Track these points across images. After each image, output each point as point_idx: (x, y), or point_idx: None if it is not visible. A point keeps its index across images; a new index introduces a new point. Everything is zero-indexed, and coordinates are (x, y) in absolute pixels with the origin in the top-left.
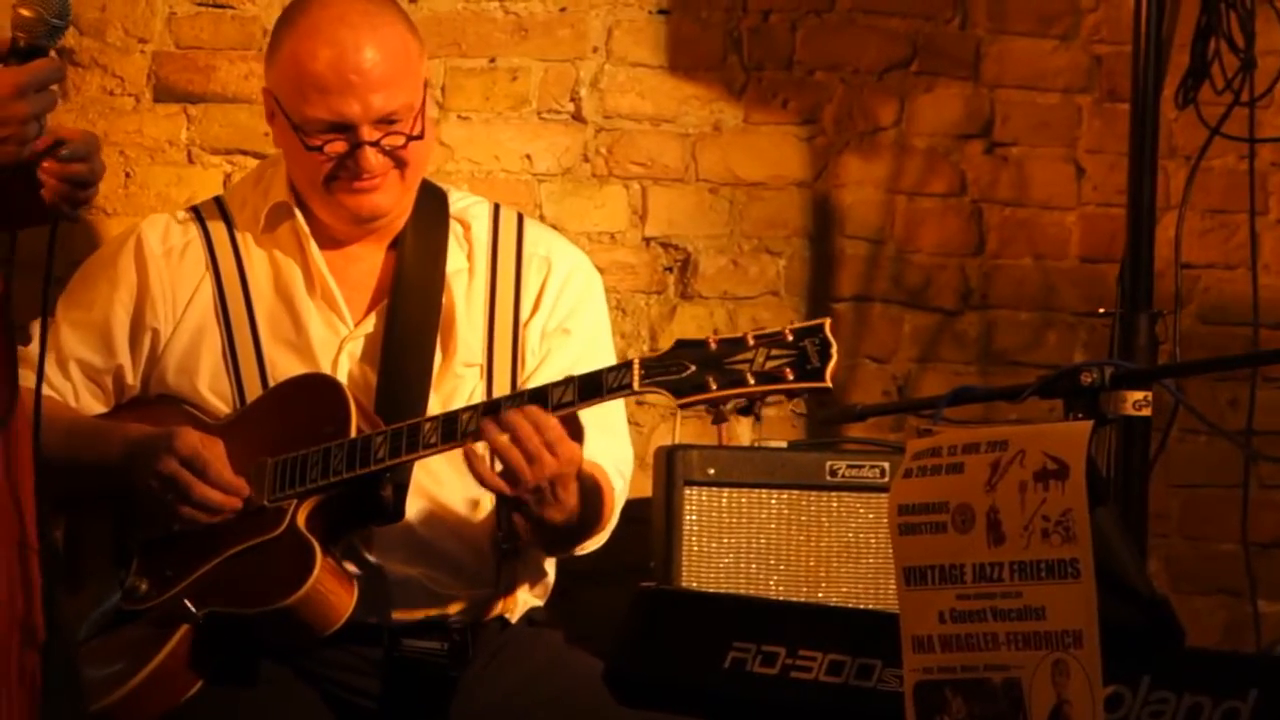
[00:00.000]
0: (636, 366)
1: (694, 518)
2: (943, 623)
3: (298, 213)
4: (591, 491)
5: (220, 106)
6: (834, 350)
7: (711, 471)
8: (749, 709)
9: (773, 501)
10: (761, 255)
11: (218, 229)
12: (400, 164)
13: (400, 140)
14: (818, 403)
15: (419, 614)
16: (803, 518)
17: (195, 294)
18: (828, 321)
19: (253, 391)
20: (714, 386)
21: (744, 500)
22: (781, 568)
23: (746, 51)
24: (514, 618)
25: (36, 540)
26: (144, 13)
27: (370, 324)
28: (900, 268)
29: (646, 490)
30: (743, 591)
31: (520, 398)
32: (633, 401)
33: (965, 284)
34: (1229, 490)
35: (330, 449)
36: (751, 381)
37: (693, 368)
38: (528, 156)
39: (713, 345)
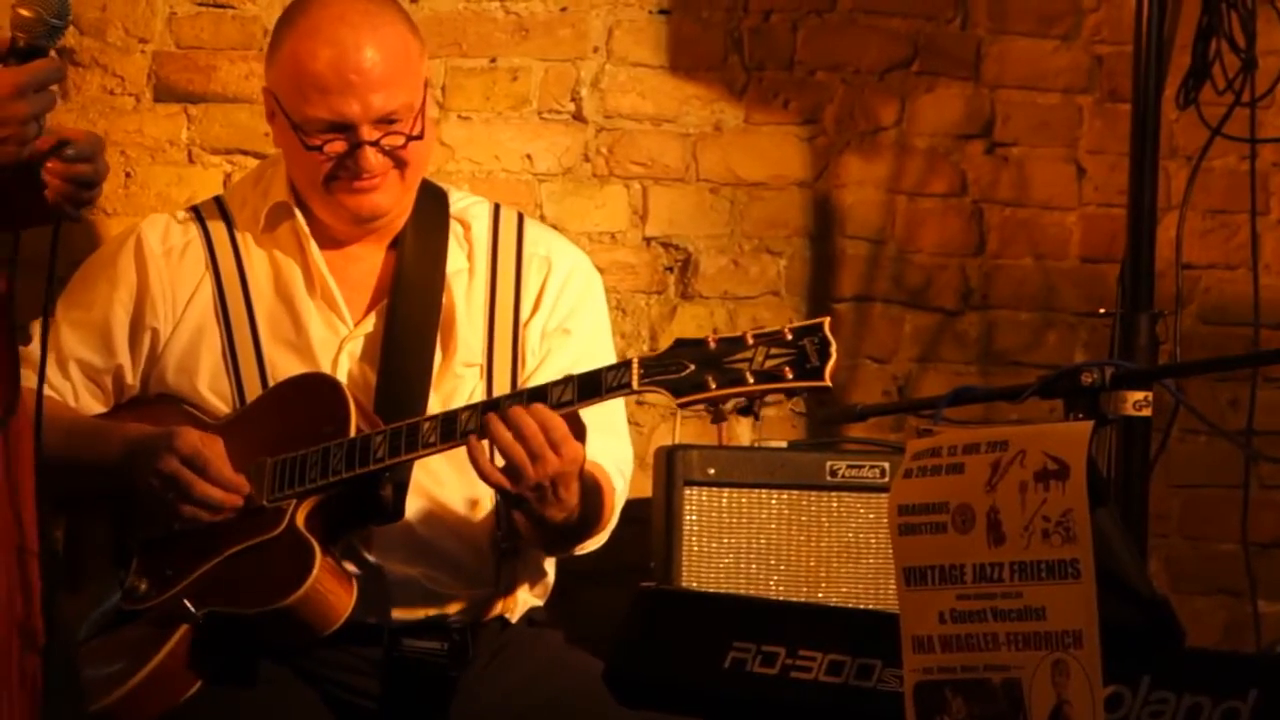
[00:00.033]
0: (635, 366)
1: (694, 518)
2: (943, 623)
3: (298, 213)
4: (592, 491)
5: (221, 106)
6: (833, 349)
7: (712, 471)
8: (749, 709)
9: (773, 501)
10: (762, 255)
11: (217, 229)
12: (400, 164)
13: (400, 140)
14: (818, 402)
15: (419, 614)
16: (803, 518)
17: (195, 294)
18: (827, 320)
19: (252, 391)
20: (713, 386)
21: (744, 500)
22: (781, 568)
23: (747, 51)
24: (514, 618)
25: (37, 543)
26: (144, 12)
27: (370, 324)
28: (901, 268)
29: (646, 490)
30: (743, 592)
31: (519, 397)
32: (633, 401)
33: (966, 284)
34: (1229, 490)
35: (329, 448)
36: (751, 380)
37: (692, 367)
38: (528, 156)
39: (712, 344)
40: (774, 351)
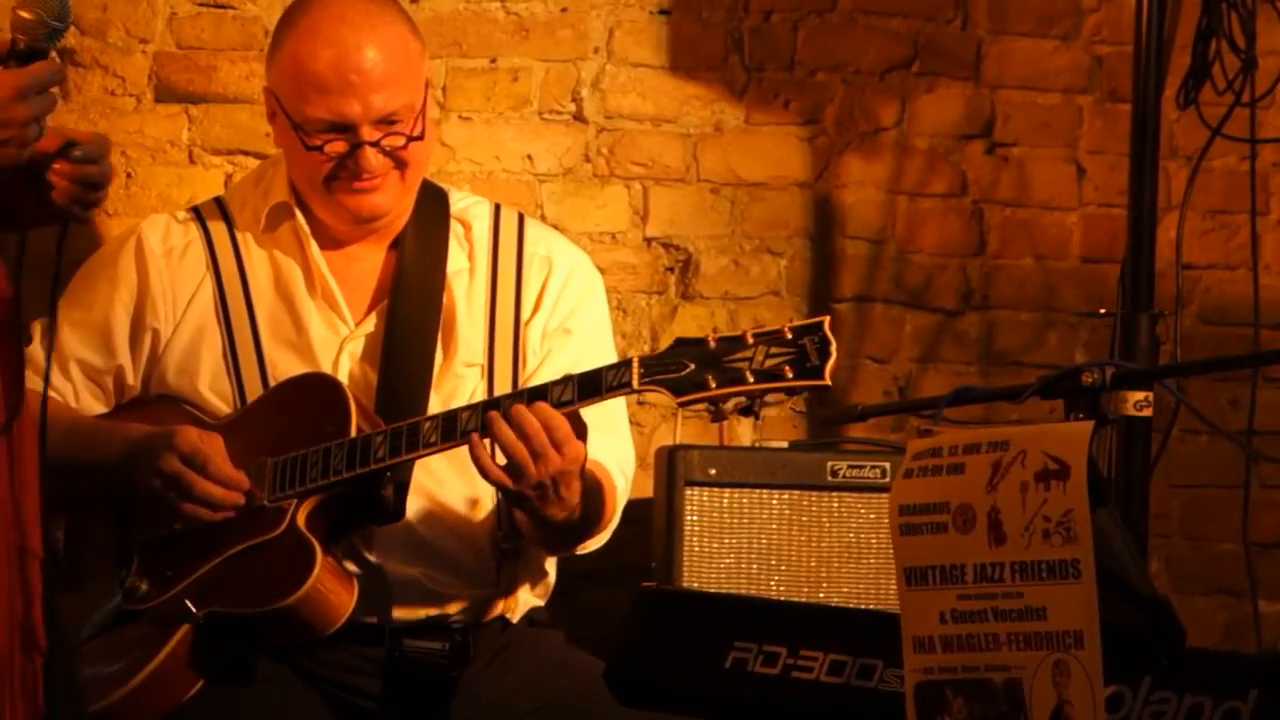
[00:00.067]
0: (636, 365)
1: (695, 518)
2: (944, 623)
3: (298, 213)
4: (594, 490)
5: (221, 107)
6: (833, 348)
7: (712, 472)
8: (750, 709)
9: (774, 502)
10: (763, 255)
11: (218, 229)
12: (400, 164)
13: (400, 141)
14: (818, 402)
15: (419, 613)
16: (804, 518)
17: (195, 294)
18: (827, 319)
19: (253, 391)
20: (713, 385)
21: (745, 500)
22: (782, 568)
23: (748, 52)
24: (515, 618)
25: (40, 545)
26: (145, 13)
27: (371, 324)
28: (901, 268)
29: (647, 490)
30: (744, 592)
31: (520, 396)
32: (634, 401)
33: (966, 284)
34: (1230, 490)
35: (330, 448)
36: (751, 380)
37: (692, 366)
38: (529, 157)
39: (712, 344)
40: (774, 350)
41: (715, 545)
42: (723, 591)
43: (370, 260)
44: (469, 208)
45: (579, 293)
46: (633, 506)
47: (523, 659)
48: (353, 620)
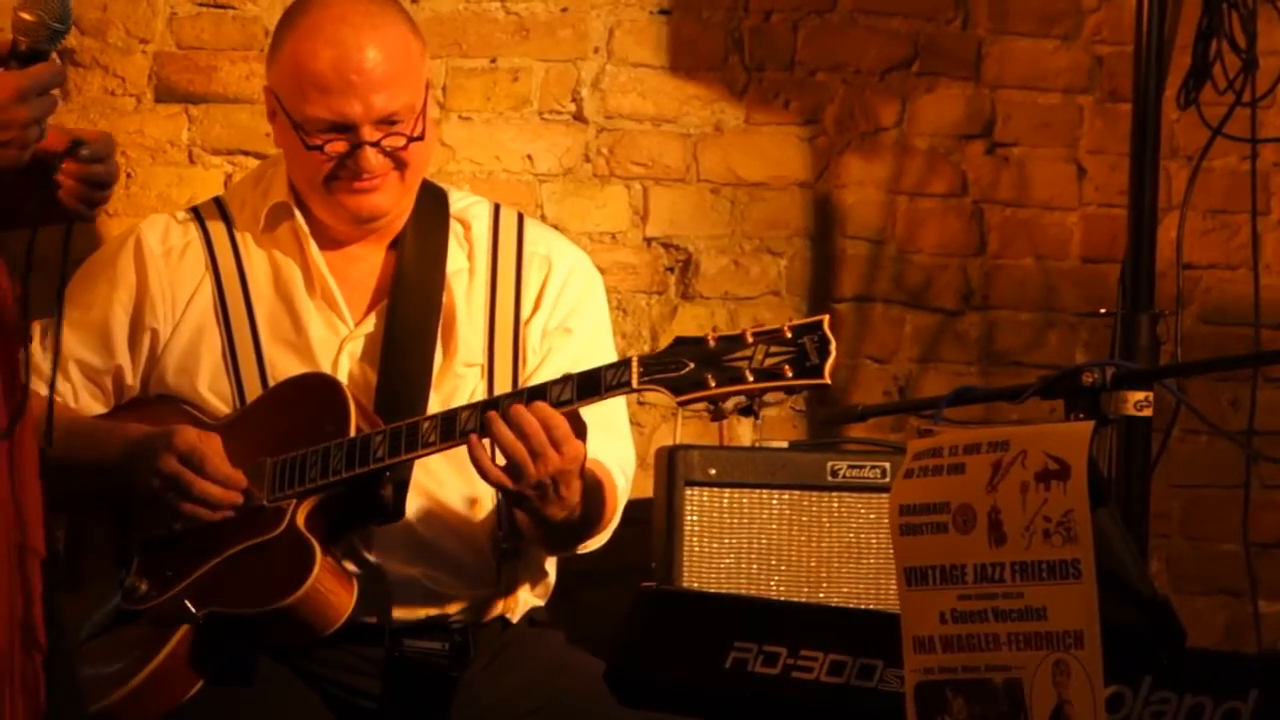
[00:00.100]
0: (635, 364)
1: (695, 518)
2: (944, 623)
3: (297, 213)
4: (594, 489)
5: (221, 107)
6: (833, 347)
7: (712, 472)
8: (750, 709)
9: (774, 502)
10: (763, 255)
11: (217, 229)
12: (400, 165)
13: (401, 141)
14: (818, 401)
15: (419, 613)
16: (804, 518)
17: (195, 294)
18: (826, 318)
19: (253, 391)
20: (713, 384)
21: (745, 500)
22: (783, 568)
23: (748, 52)
24: (515, 618)
25: (41, 544)
26: (145, 13)
27: (370, 324)
28: (901, 268)
29: (647, 490)
30: (744, 592)
31: (519, 396)
32: (634, 401)
33: (966, 284)
34: (1230, 490)
35: (330, 448)
36: (750, 379)
37: (691, 365)
38: (529, 157)
39: (711, 343)
40: (773, 349)
41: (715, 545)
42: (723, 591)
43: (370, 260)
44: (468, 207)
45: (579, 292)
46: (633, 506)
47: (523, 659)
48: (353, 620)
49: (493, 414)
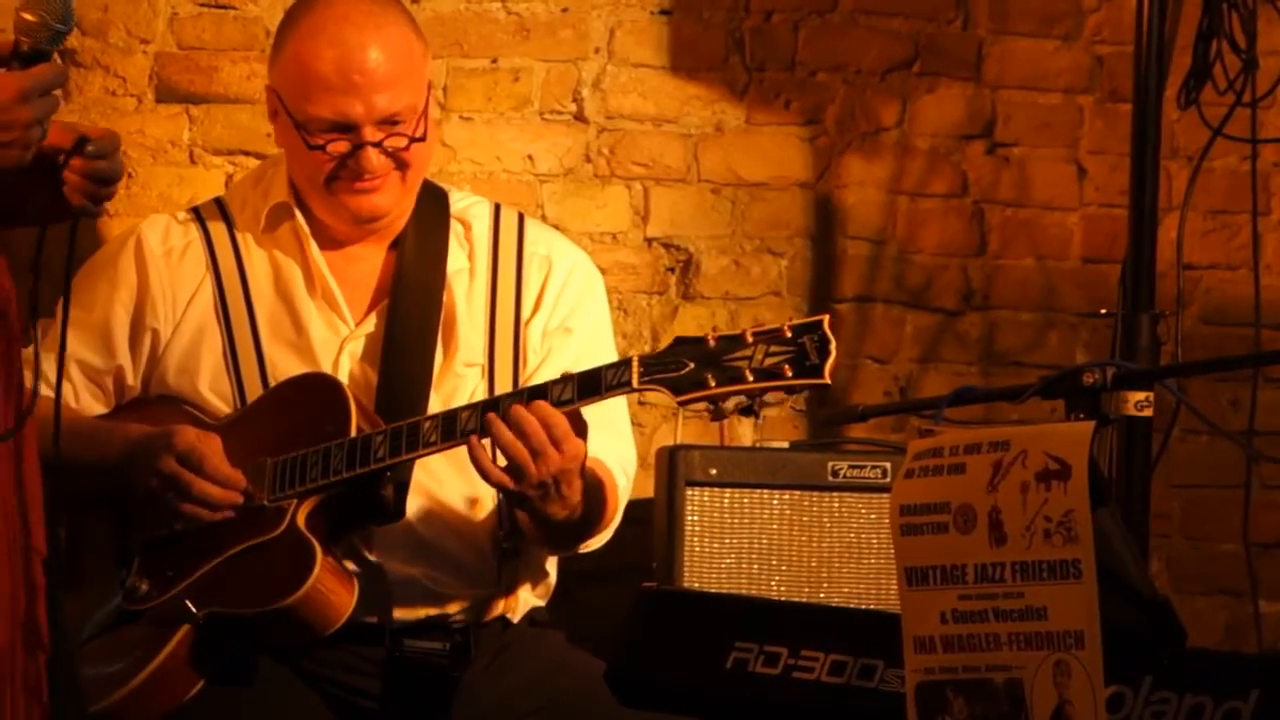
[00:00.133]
0: (635, 364)
1: (695, 518)
2: (944, 623)
3: (298, 213)
4: (595, 488)
5: (222, 107)
6: (833, 346)
7: (713, 472)
8: (751, 709)
9: (774, 502)
10: (763, 255)
11: (218, 229)
12: (402, 165)
13: (403, 142)
14: (819, 401)
15: (420, 613)
16: (804, 518)
17: (195, 294)
18: (826, 318)
19: (253, 391)
20: (713, 384)
21: (746, 500)
22: (783, 568)
23: (748, 52)
24: (515, 618)
25: (44, 545)
26: (146, 13)
27: (371, 324)
28: (902, 268)
29: (648, 490)
30: (745, 592)
31: (519, 395)
32: (635, 402)
33: (967, 284)
34: (1230, 491)
35: (330, 448)
36: (750, 378)
37: (691, 365)
38: (530, 157)
39: (711, 342)
40: (774, 349)
41: (716, 545)
42: (723, 592)
43: (370, 260)
44: (469, 207)
45: (579, 291)
46: (633, 506)
47: (523, 659)
48: (353, 620)
49: (492, 415)
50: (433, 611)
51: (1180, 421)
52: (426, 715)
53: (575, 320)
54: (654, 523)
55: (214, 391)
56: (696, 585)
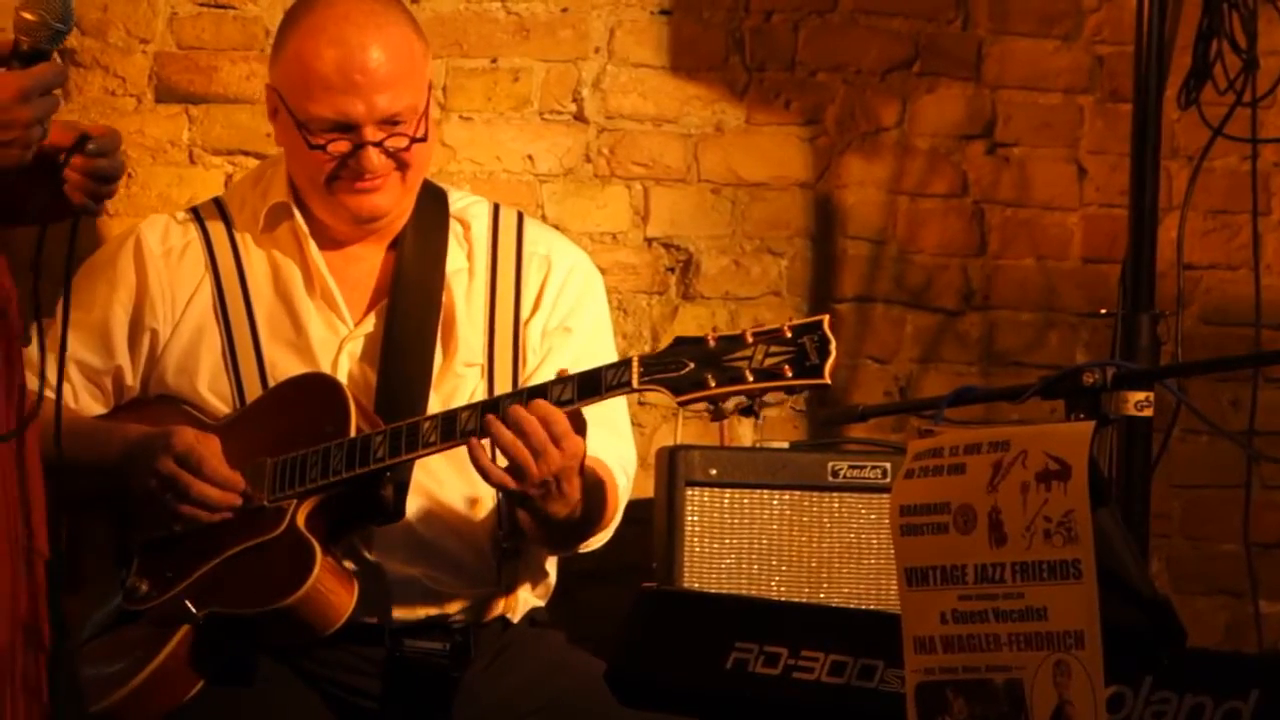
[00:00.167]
0: (635, 364)
1: (695, 518)
2: (944, 623)
3: (297, 213)
4: (595, 487)
5: (222, 107)
6: (833, 346)
7: (713, 472)
8: (751, 709)
9: (774, 502)
10: (763, 255)
11: (217, 229)
12: (402, 165)
13: (403, 142)
14: (819, 402)
15: (420, 613)
16: (804, 518)
17: (194, 294)
18: (826, 318)
19: (252, 392)
20: (713, 384)
21: (746, 501)
22: (783, 568)
23: (748, 52)
24: (515, 618)
25: (46, 546)
26: (146, 13)
27: (370, 324)
28: (902, 268)
29: (648, 491)
30: (745, 592)
31: (519, 395)
32: (635, 402)
33: (967, 284)
34: (1231, 491)
35: (330, 449)
36: (750, 379)
37: (691, 365)
38: (530, 157)
39: (711, 343)
40: (773, 349)
41: (716, 545)
42: (723, 592)
43: (369, 260)
44: (468, 207)
45: (578, 291)
46: (633, 506)
47: (523, 659)
48: (353, 620)
49: (492, 417)
50: (433, 611)
51: (1180, 421)
52: (426, 715)
53: (575, 320)
54: (654, 523)
55: (213, 391)
56: (696, 585)
